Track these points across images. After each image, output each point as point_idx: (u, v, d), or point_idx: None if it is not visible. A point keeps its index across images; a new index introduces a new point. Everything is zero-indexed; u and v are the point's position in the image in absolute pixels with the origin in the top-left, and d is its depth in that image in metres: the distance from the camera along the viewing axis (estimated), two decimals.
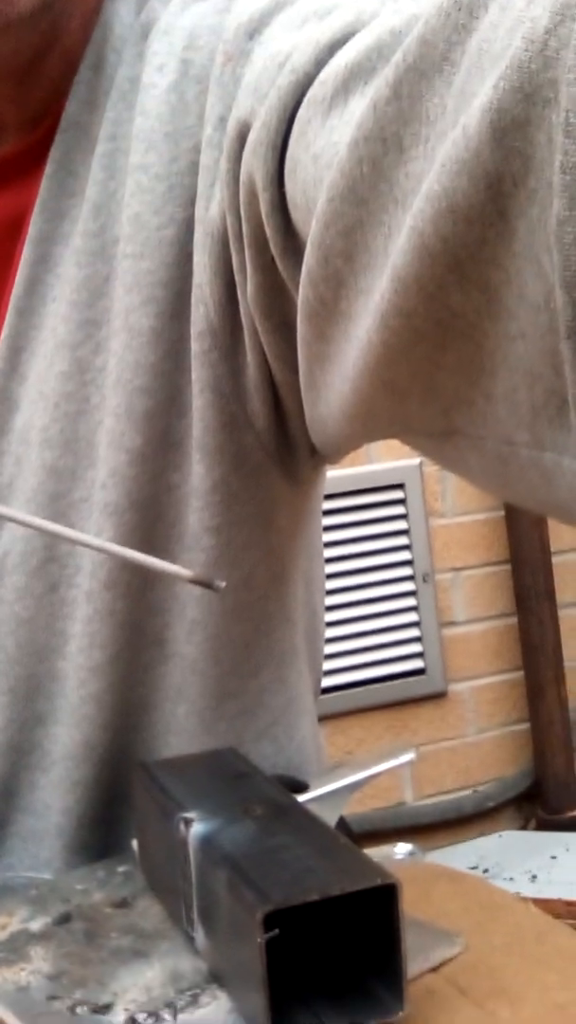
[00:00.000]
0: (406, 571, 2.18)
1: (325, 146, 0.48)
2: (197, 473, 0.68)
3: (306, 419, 0.61)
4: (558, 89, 0.32)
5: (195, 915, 0.51)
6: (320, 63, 0.52)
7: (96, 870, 0.62)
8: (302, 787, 0.65)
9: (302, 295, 0.51)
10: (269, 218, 0.55)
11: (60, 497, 0.69)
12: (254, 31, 0.61)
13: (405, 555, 2.18)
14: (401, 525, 2.17)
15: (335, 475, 2.06)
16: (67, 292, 0.68)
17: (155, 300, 0.65)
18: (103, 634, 0.69)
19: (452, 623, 2.24)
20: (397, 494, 2.14)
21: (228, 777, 0.59)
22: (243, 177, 0.57)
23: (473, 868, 1.95)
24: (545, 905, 0.59)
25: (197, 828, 0.52)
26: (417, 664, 2.20)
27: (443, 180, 0.36)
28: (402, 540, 2.18)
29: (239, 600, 0.72)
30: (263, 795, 0.55)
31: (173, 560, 0.67)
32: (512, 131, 0.34)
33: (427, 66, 0.40)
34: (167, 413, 0.67)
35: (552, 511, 0.42)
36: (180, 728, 0.72)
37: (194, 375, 0.66)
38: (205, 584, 0.55)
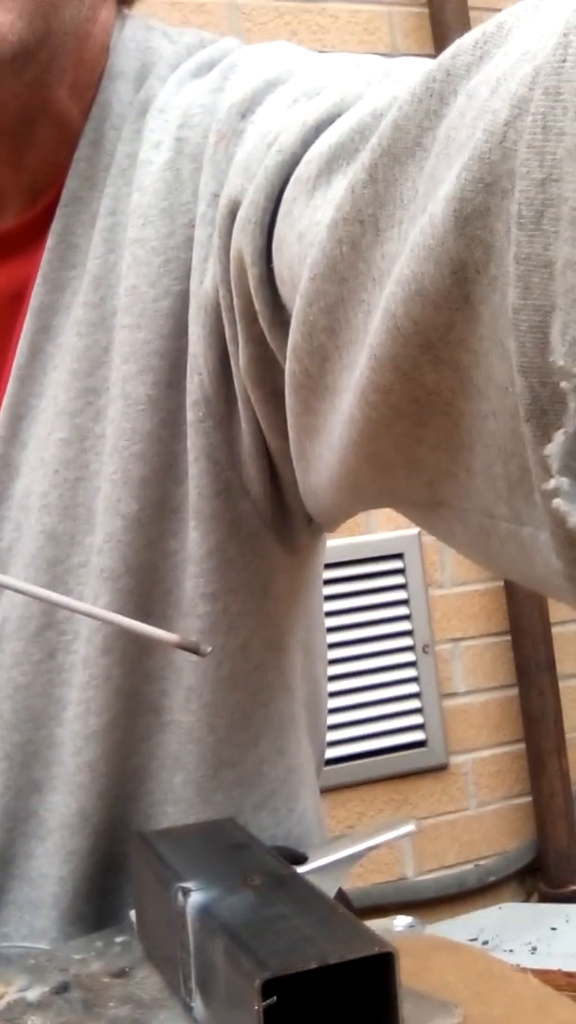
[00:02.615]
0: (406, 642, 2.18)
1: (309, 225, 0.50)
2: (193, 539, 0.68)
3: (299, 488, 0.62)
4: (514, 181, 0.33)
5: (193, 984, 0.51)
6: (306, 143, 0.54)
7: (94, 940, 0.62)
8: (301, 858, 0.65)
9: (288, 368, 0.52)
10: (257, 292, 0.57)
11: (58, 562, 0.69)
12: (246, 111, 0.63)
13: (405, 625, 2.18)
14: (400, 595, 2.17)
15: (334, 544, 2.07)
16: (68, 361, 0.70)
17: (151, 369, 0.67)
18: (99, 700, 0.69)
19: (453, 694, 2.23)
20: (396, 564, 2.14)
21: (227, 847, 0.59)
22: (233, 253, 0.59)
23: (473, 940, 1.93)
24: (545, 976, 0.59)
25: (195, 898, 0.52)
26: (418, 736, 2.19)
27: (412, 265, 0.38)
28: (402, 610, 2.18)
29: (236, 668, 0.72)
30: (262, 866, 0.55)
31: (169, 627, 0.68)
32: (474, 220, 0.35)
33: (400, 150, 0.41)
34: (163, 480, 0.68)
35: (532, 583, 0.43)
36: (177, 797, 0.72)
37: (189, 443, 0.67)
38: (191, 649, 0.55)
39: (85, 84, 0.72)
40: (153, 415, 0.67)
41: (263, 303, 0.57)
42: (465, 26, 2.20)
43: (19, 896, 0.73)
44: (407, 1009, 0.46)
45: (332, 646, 2.09)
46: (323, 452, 0.53)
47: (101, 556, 0.68)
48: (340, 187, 0.47)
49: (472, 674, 2.25)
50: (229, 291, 0.61)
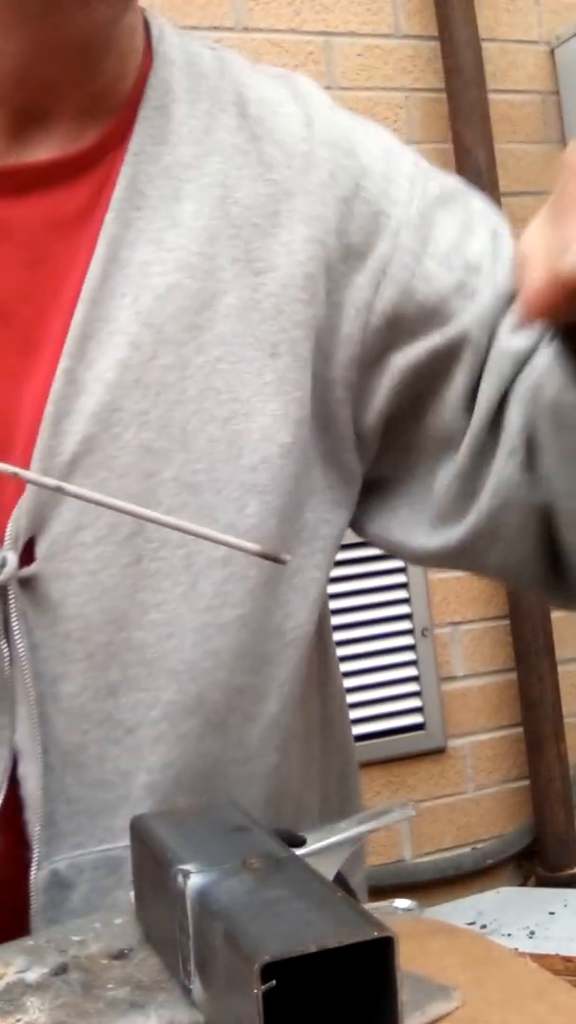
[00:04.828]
0: (405, 625, 2.18)
1: None
2: (315, 475, 0.81)
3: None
4: None
5: (192, 967, 0.51)
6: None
7: (93, 921, 0.62)
8: (300, 841, 0.65)
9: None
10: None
11: (152, 475, 0.74)
12: (430, 220, 0.81)
13: (404, 609, 2.18)
14: (400, 579, 2.17)
15: None
16: (168, 297, 0.75)
17: (310, 338, 0.78)
18: (235, 596, 0.76)
19: (451, 678, 2.23)
20: None
21: (226, 830, 0.59)
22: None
23: (471, 924, 1.93)
24: (543, 961, 0.59)
25: (194, 880, 0.52)
26: (416, 719, 2.19)
27: None
28: (401, 594, 2.18)
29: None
30: (261, 848, 0.55)
31: (295, 548, 0.80)
32: None
33: None
34: (311, 424, 0.79)
35: None
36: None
37: (331, 406, 0.80)
38: (273, 558, 0.62)
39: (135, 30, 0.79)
40: (310, 376, 0.78)
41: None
42: (468, 8, 2.19)
43: (93, 803, 0.74)
44: (405, 993, 0.46)
45: (332, 629, 2.09)
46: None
47: (255, 473, 0.76)
48: None
49: (471, 658, 2.25)
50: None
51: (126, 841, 0.68)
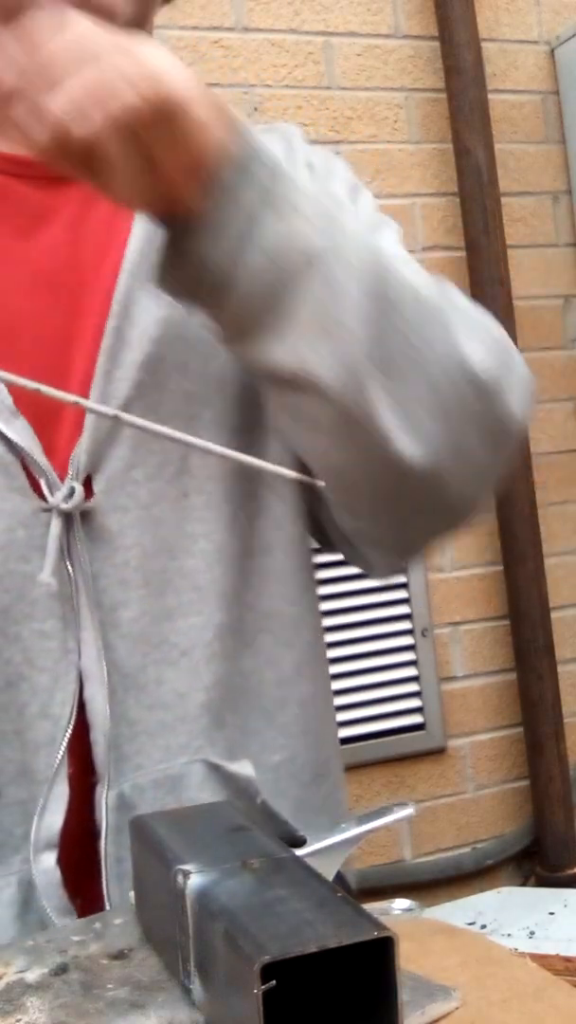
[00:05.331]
0: (405, 625, 2.18)
1: None
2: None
3: None
4: None
5: (192, 967, 0.51)
6: None
7: (93, 921, 0.62)
8: (300, 841, 0.65)
9: None
10: None
11: (194, 418, 0.82)
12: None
13: (404, 609, 2.18)
14: (400, 579, 2.17)
15: None
16: None
17: None
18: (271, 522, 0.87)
19: (451, 678, 2.23)
20: None
21: (226, 830, 0.59)
22: None
23: (471, 924, 1.93)
24: (543, 961, 0.59)
25: (195, 880, 0.52)
26: (416, 719, 2.19)
27: None
28: (401, 594, 2.18)
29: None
30: (261, 848, 0.55)
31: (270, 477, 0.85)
32: None
33: None
34: None
35: None
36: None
37: None
38: (309, 482, 0.74)
39: None
40: None
41: None
42: (468, 8, 2.19)
43: (151, 724, 0.80)
44: (405, 993, 0.46)
45: (331, 629, 2.10)
46: None
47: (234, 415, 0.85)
48: None
49: (471, 658, 2.25)
50: None
51: (184, 759, 0.78)
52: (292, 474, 0.77)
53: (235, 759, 0.81)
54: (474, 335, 0.75)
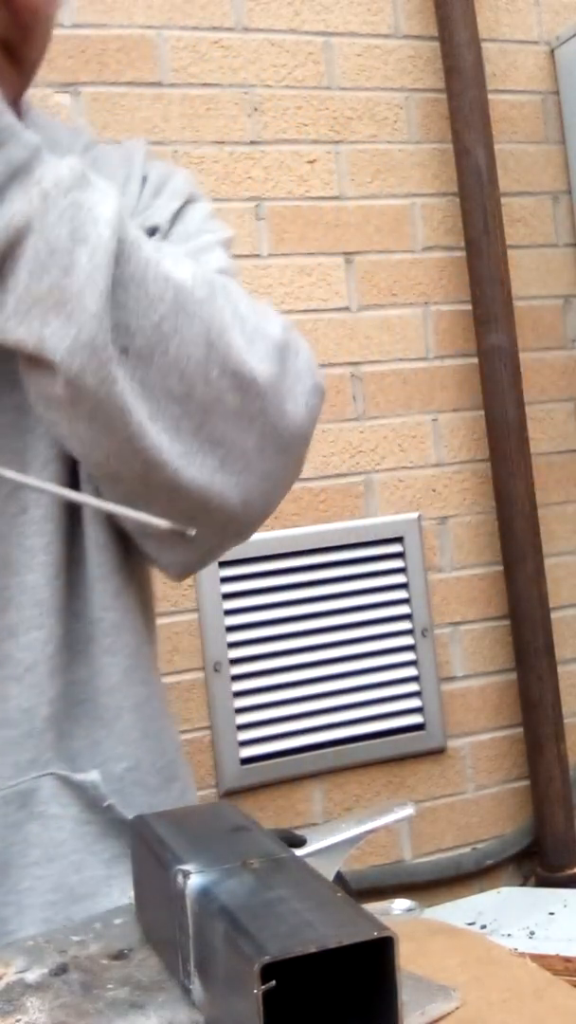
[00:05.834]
0: (405, 625, 2.18)
1: None
2: None
3: None
4: None
5: (192, 967, 0.51)
6: None
7: (93, 921, 0.62)
8: (300, 841, 0.65)
9: None
10: None
11: (29, 431, 0.83)
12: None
13: (404, 609, 2.18)
14: (400, 579, 2.17)
15: (333, 528, 2.07)
16: None
17: None
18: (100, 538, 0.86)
19: (451, 678, 2.23)
20: (396, 548, 2.14)
21: (226, 830, 0.59)
22: None
23: (471, 924, 1.93)
24: (542, 961, 0.59)
25: (195, 881, 0.52)
26: (416, 719, 2.19)
27: None
28: (401, 594, 2.18)
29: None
30: (261, 849, 0.55)
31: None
32: None
33: None
34: None
35: None
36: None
37: None
38: (179, 532, 0.67)
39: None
40: None
41: None
42: (468, 8, 2.19)
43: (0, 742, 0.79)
44: (405, 993, 0.46)
45: (331, 630, 2.10)
46: None
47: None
48: None
49: (471, 658, 2.25)
50: None
51: (33, 773, 0.77)
52: (164, 523, 0.68)
53: (82, 770, 0.81)
54: (246, 338, 0.75)
